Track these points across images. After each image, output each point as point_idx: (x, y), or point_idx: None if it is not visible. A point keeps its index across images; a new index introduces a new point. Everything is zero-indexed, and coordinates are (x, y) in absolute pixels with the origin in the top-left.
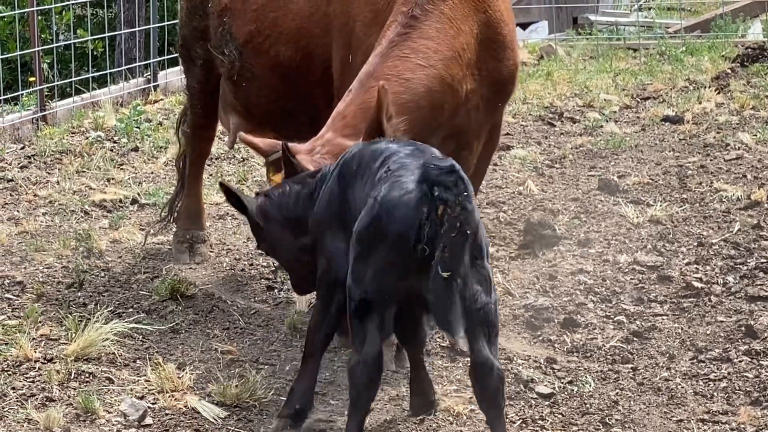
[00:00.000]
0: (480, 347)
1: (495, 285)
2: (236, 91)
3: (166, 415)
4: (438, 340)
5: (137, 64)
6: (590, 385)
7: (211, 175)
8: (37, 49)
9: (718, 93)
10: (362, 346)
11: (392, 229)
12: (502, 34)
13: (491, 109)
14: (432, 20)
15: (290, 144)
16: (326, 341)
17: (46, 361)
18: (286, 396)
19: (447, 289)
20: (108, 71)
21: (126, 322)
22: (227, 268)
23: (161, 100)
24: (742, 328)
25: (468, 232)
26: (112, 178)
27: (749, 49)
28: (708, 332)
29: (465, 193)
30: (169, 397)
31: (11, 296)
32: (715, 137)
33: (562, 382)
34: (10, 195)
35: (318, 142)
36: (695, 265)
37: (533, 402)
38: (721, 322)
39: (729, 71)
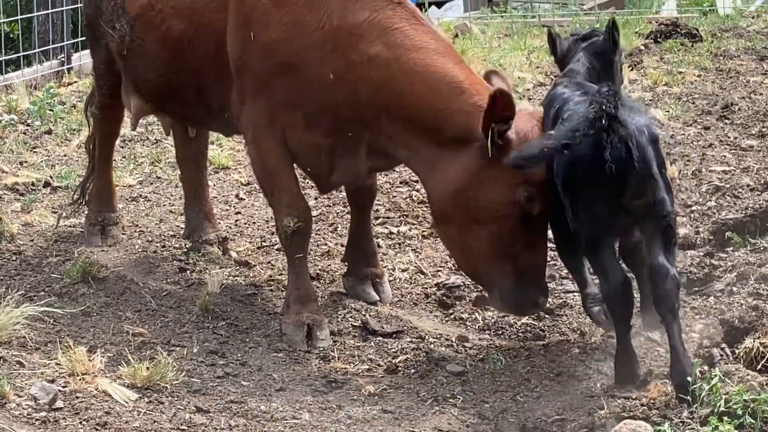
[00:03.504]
0: (657, 252)
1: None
2: (126, 67)
3: (77, 398)
4: (350, 320)
5: (51, 46)
6: (501, 363)
7: (124, 157)
8: None
9: (632, 69)
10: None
11: None
12: None
13: None
14: None
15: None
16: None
17: None
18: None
19: None
20: (21, 54)
21: (37, 305)
22: (139, 250)
23: (75, 82)
24: None
25: None
26: (25, 161)
27: (662, 26)
28: None
29: None
30: (79, 380)
31: None
32: None
33: (474, 360)
34: None
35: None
36: None
37: (445, 380)
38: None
39: (642, 47)
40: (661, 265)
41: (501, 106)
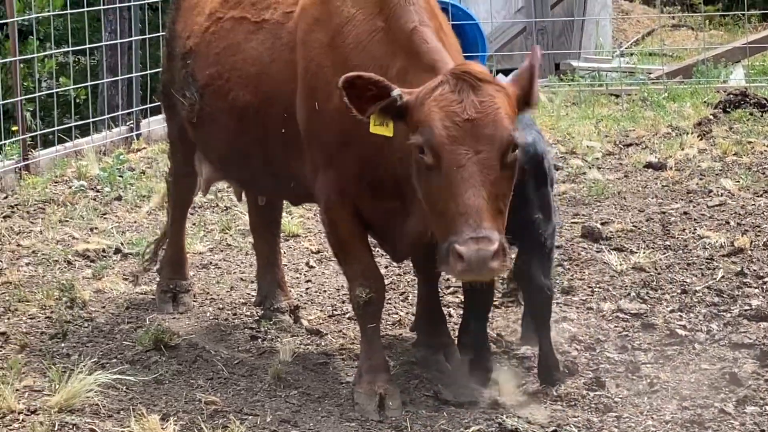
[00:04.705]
0: (534, 269)
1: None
2: (195, 134)
3: None
4: (422, 389)
5: (120, 112)
6: None
7: (194, 224)
8: (20, 98)
9: (701, 139)
10: None
11: None
12: None
13: None
14: None
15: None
16: None
17: (29, 413)
18: None
19: None
20: (91, 120)
21: (110, 372)
22: (211, 317)
23: (144, 148)
24: (727, 376)
25: None
26: (95, 228)
27: (731, 95)
28: (692, 380)
29: None
30: None
31: None
32: (697, 183)
33: (547, 431)
34: None
35: None
36: (679, 313)
37: None
38: (705, 369)
39: (711, 117)
40: (536, 280)
41: (355, 94)
